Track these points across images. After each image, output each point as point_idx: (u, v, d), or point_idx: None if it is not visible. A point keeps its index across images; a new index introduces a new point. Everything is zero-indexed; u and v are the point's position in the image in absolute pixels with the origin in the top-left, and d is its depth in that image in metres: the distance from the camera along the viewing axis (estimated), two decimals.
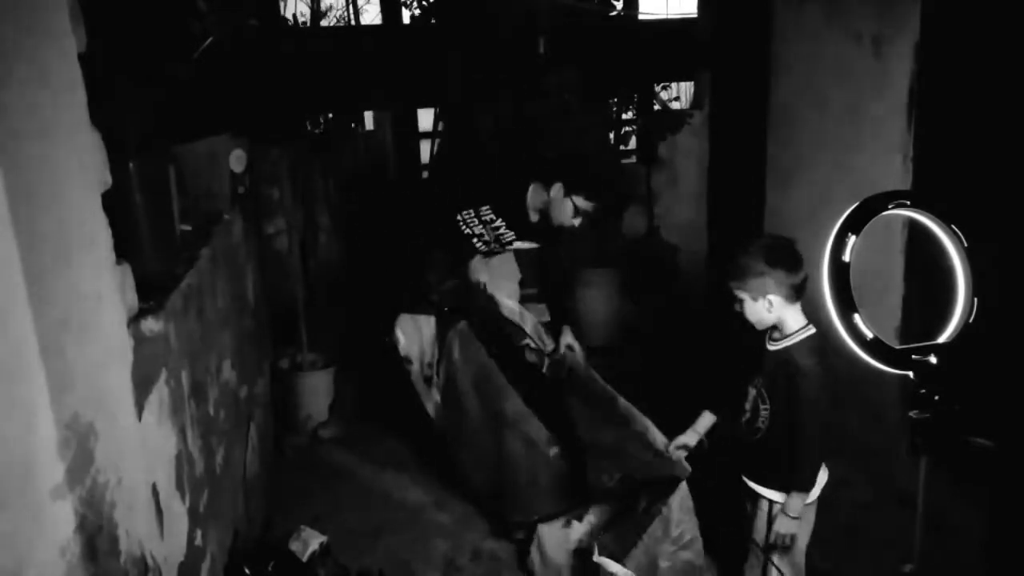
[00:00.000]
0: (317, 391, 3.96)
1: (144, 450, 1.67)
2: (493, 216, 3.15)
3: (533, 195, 3.08)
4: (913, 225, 3.07)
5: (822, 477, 2.29)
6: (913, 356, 2.16)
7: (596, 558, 2.45)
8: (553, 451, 2.83)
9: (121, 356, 1.59)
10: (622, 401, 2.74)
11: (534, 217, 3.13)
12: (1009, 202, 2.88)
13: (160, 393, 1.82)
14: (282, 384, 3.90)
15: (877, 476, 3.33)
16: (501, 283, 3.38)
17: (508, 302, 3.24)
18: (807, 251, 2.21)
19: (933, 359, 2.15)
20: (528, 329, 3.21)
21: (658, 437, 2.58)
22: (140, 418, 1.65)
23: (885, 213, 2.16)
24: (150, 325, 1.73)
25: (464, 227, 3.16)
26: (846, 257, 2.10)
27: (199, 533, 2.10)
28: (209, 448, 2.32)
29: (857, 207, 2.13)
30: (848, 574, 2.66)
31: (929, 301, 2.68)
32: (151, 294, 1.82)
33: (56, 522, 1.23)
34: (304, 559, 2.66)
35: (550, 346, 3.16)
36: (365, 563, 2.84)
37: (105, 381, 1.48)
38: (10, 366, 1.13)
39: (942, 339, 2.20)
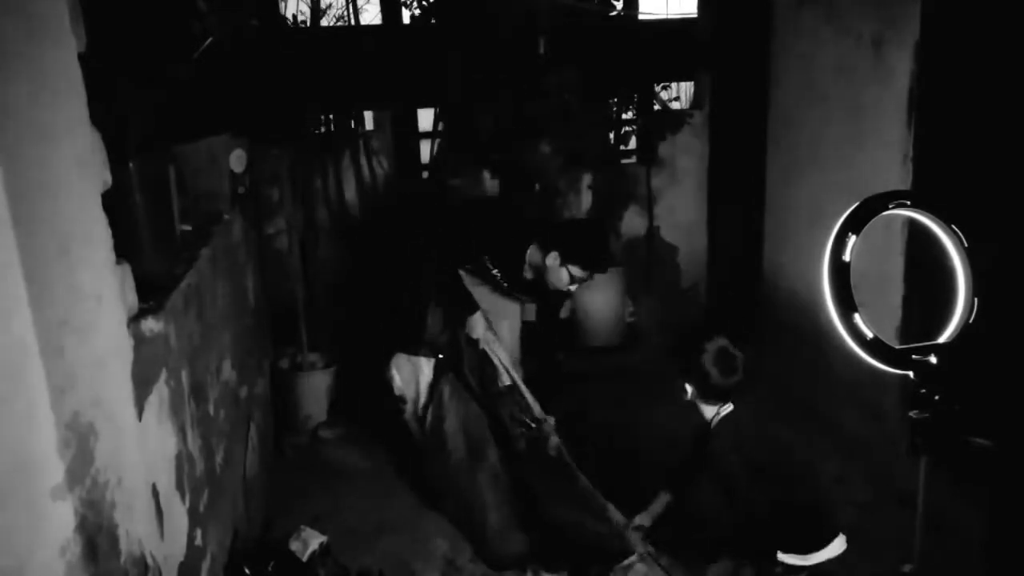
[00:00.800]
0: (317, 391, 3.96)
1: (144, 450, 1.67)
2: (490, 267, 3.29)
3: (531, 255, 3.20)
4: (913, 225, 3.07)
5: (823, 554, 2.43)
6: (913, 356, 2.16)
7: None
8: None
9: (121, 356, 1.59)
10: (583, 480, 2.94)
11: (529, 275, 3.25)
12: (1009, 202, 2.88)
13: (160, 393, 1.82)
14: (282, 384, 3.90)
15: (877, 476, 3.33)
16: (501, 323, 3.49)
17: (502, 361, 3.30)
18: (807, 251, 2.21)
19: (933, 359, 2.15)
20: (515, 396, 3.26)
21: (615, 516, 2.79)
22: (140, 418, 1.65)
23: (885, 213, 2.16)
24: (150, 325, 1.73)
25: (467, 279, 3.31)
26: (846, 257, 2.10)
27: (199, 533, 2.10)
28: (209, 448, 2.32)
29: (857, 207, 2.13)
30: (848, 574, 2.66)
31: (929, 301, 2.68)
32: (151, 294, 1.82)
33: (56, 522, 1.23)
34: (304, 559, 2.66)
35: (536, 409, 3.22)
36: (365, 563, 2.84)
37: (105, 381, 1.48)
38: (10, 366, 1.13)
39: (942, 339, 2.20)
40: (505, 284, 3.36)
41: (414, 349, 3.27)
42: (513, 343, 3.58)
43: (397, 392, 3.32)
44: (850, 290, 2.09)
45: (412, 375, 3.27)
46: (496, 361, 3.26)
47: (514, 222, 3.34)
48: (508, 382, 3.25)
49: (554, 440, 3.11)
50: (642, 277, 4.96)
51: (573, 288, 3.17)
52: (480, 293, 3.35)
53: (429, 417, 3.22)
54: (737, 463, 2.41)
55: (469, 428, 3.15)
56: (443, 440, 3.16)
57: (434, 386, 3.23)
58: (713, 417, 2.53)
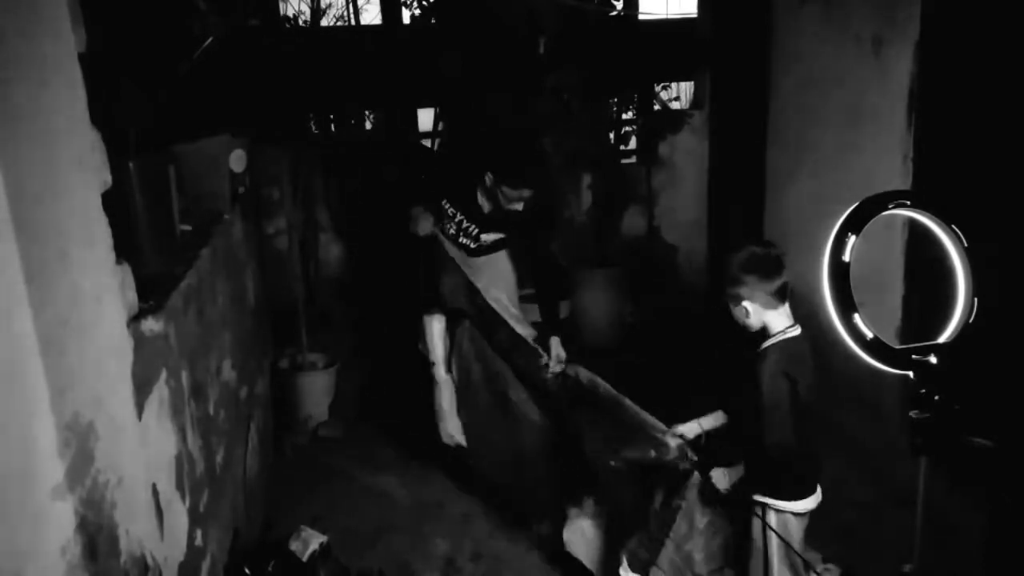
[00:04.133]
0: (317, 391, 3.96)
1: (144, 450, 1.67)
2: (453, 211, 3.25)
3: (479, 188, 3.21)
4: (913, 225, 3.07)
5: (807, 503, 2.30)
6: (913, 356, 2.16)
7: (624, 573, 2.47)
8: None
9: (121, 356, 1.59)
10: (628, 403, 2.76)
11: (485, 207, 3.23)
12: (1009, 202, 2.88)
13: (160, 393, 1.82)
14: (282, 384, 3.90)
15: (877, 476, 3.33)
16: (498, 283, 3.41)
17: (502, 302, 3.30)
18: (807, 251, 2.21)
19: (933, 359, 2.15)
20: (526, 334, 3.26)
21: (660, 426, 2.60)
22: (140, 418, 1.65)
23: (885, 213, 2.16)
24: (150, 325, 1.73)
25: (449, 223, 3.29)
26: (846, 257, 2.09)
27: (199, 533, 2.10)
28: (209, 448, 2.32)
29: (857, 207, 2.12)
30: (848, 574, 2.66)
31: (929, 301, 2.68)
32: (151, 294, 1.82)
33: (56, 522, 1.23)
34: (304, 559, 2.66)
35: (544, 359, 3.17)
36: (365, 563, 2.84)
37: (105, 381, 1.48)
38: (10, 366, 1.13)
39: (942, 339, 2.20)
40: (474, 225, 3.31)
41: (430, 309, 3.31)
42: (511, 294, 3.52)
43: (424, 353, 3.34)
44: (850, 290, 2.09)
45: (432, 334, 3.31)
46: (502, 304, 3.29)
47: (464, 162, 3.38)
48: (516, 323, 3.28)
49: (584, 372, 3.00)
50: (642, 277, 4.96)
51: (519, 207, 3.13)
52: (461, 259, 3.34)
53: (455, 372, 3.25)
54: (783, 391, 2.18)
55: (490, 375, 3.15)
56: (472, 393, 3.18)
57: (452, 338, 3.25)
58: (776, 334, 2.26)
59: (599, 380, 2.93)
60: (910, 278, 3.29)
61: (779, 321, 2.26)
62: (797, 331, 2.26)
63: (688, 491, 2.43)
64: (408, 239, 3.45)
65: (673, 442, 2.50)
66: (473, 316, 3.23)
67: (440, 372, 3.32)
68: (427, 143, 4.72)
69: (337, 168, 4.52)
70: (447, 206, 3.25)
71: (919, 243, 3.10)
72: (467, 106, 4.34)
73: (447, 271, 3.26)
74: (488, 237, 3.34)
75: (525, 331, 3.25)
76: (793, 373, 2.19)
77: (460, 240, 3.31)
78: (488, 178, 3.12)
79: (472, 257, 3.36)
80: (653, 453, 2.50)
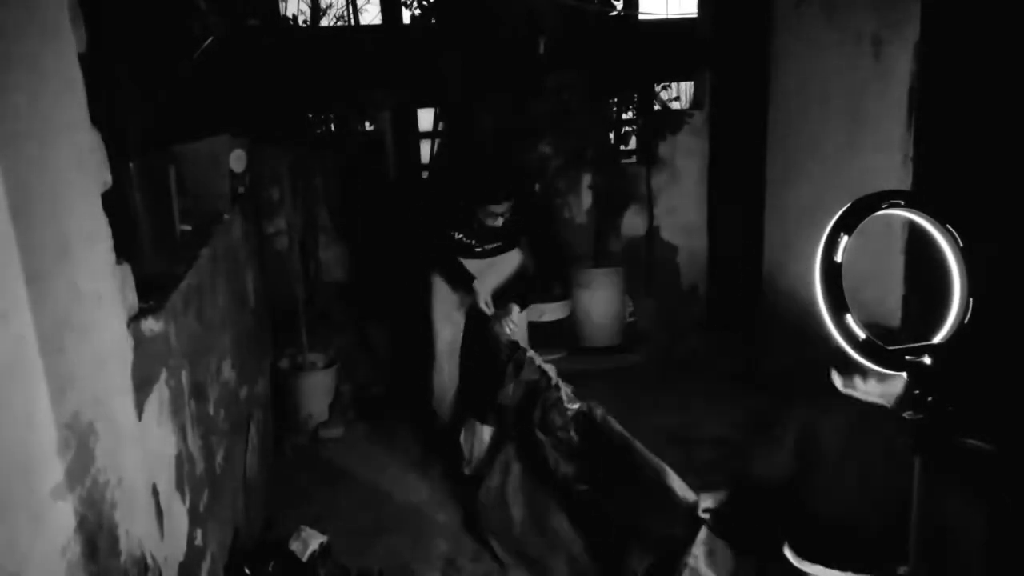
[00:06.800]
0: (317, 391, 3.96)
1: (144, 450, 1.67)
2: (455, 234, 3.59)
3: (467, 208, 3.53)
4: (913, 225, 3.06)
5: None
6: (906, 357, 2.15)
7: None
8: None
9: (121, 356, 1.59)
10: (639, 447, 2.70)
11: (488, 221, 3.49)
12: (1010, 202, 2.88)
13: (160, 393, 1.82)
14: (282, 384, 3.90)
15: None
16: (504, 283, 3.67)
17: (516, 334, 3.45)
18: (806, 251, 2.20)
19: (927, 360, 2.14)
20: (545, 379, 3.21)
21: (676, 483, 2.51)
22: (140, 418, 1.65)
23: (880, 213, 2.15)
24: (150, 325, 1.73)
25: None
26: (838, 257, 2.08)
27: (199, 533, 2.10)
28: (209, 448, 2.32)
29: (849, 207, 2.11)
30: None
31: (929, 301, 2.67)
32: (151, 294, 1.82)
33: (56, 522, 1.23)
34: (304, 559, 2.66)
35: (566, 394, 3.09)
36: (365, 563, 2.84)
37: (105, 381, 1.48)
38: (10, 366, 1.13)
39: (936, 339, 2.20)
40: (474, 244, 3.60)
41: (454, 282, 3.62)
42: (521, 338, 3.63)
43: (465, 465, 3.37)
44: (842, 291, 2.08)
45: (473, 439, 3.35)
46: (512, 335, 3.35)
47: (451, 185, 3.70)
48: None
49: (599, 410, 2.89)
50: (642, 277, 4.96)
51: (499, 223, 3.45)
52: (477, 271, 3.60)
53: (492, 486, 3.13)
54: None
55: (537, 504, 2.99)
56: (508, 510, 3.05)
57: (494, 454, 3.19)
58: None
59: (612, 420, 2.85)
60: (910, 278, 3.29)
61: None
62: None
63: (696, 547, 2.35)
64: (408, 240, 3.64)
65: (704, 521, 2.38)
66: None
67: (441, 342, 3.49)
68: (427, 143, 4.73)
69: (337, 169, 4.53)
70: (451, 234, 3.56)
71: (919, 243, 3.10)
72: (467, 107, 4.35)
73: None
74: (488, 247, 3.62)
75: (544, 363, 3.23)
76: None
77: (465, 249, 3.59)
78: (462, 201, 3.47)
79: (475, 260, 3.60)
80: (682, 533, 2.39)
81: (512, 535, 2.98)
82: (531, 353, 3.21)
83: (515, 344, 3.30)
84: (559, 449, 2.91)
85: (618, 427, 2.83)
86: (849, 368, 2.13)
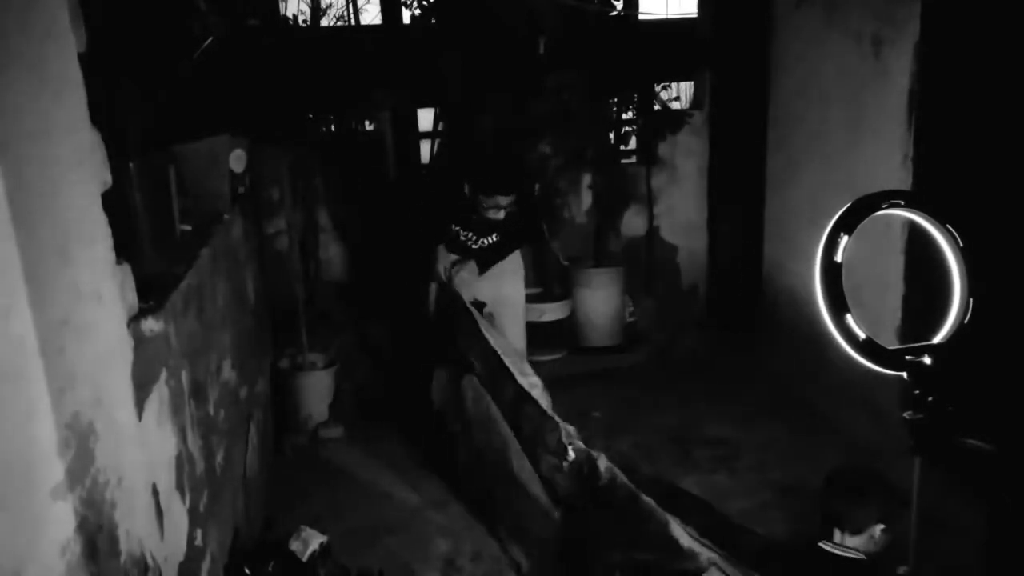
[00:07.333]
0: (317, 391, 3.96)
1: (144, 450, 1.67)
2: (455, 227, 3.65)
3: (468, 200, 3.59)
4: (913, 225, 3.07)
5: None
6: (907, 357, 2.15)
7: None
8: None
9: (121, 356, 1.59)
10: (648, 504, 2.32)
11: (490, 214, 3.56)
12: (1010, 201, 2.88)
13: (160, 393, 1.82)
14: (282, 384, 3.90)
15: None
16: (503, 285, 3.73)
17: (509, 349, 3.27)
18: (806, 251, 2.20)
19: (927, 360, 2.14)
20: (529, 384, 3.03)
21: (681, 534, 2.21)
22: (140, 418, 1.65)
23: (880, 213, 2.15)
24: (150, 325, 1.73)
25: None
26: (838, 257, 2.08)
27: (199, 533, 2.10)
28: (209, 448, 2.32)
29: (849, 207, 2.12)
30: None
31: (930, 301, 2.67)
32: (151, 294, 1.82)
33: (56, 522, 1.23)
34: (304, 559, 2.66)
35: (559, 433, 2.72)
36: (365, 563, 2.84)
37: (105, 381, 1.48)
38: (10, 366, 1.13)
39: (936, 339, 2.20)
40: (469, 234, 3.66)
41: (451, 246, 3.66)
42: (519, 335, 3.71)
43: (435, 407, 3.48)
44: (842, 290, 2.08)
45: (445, 389, 3.42)
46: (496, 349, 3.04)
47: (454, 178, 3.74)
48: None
49: (604, 462, 2.48)
50: (642, 277, 4.96)
51: (500, 216, 3.50)
52: (472, 279, 3.63)
53: (456, 423, 3.26)
54: None
55: (495, 441, 2.95)
56: (474, 454, 3.13)
57: (456, 390, 3.24)
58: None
59: (618, 472, 2.46)
60: (910, 278, 3.29)
61: None
62: None
63: None
64: (407, 242, 3.67)
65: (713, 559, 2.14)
66: (480, 367, 3.14)
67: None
68: (427, 143, 4.73)
69: (337, 168, 4.54)
70: (455, 233, 3.63)
71: (919, 243, 3.10)
72: (467, 108, 4.35)
73: (460, 320, 3.38)
74: (485, 241, 3.67)
75: (529, 382, 2.92)
76: None
77: (463, 245, 3.64)
78: (466, 189, 3.52)
79: (475, 260, 3.63)
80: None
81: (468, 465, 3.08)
82: (494, 341, 3.11)
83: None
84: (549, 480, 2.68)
85: (630, 485, 2.39)
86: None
